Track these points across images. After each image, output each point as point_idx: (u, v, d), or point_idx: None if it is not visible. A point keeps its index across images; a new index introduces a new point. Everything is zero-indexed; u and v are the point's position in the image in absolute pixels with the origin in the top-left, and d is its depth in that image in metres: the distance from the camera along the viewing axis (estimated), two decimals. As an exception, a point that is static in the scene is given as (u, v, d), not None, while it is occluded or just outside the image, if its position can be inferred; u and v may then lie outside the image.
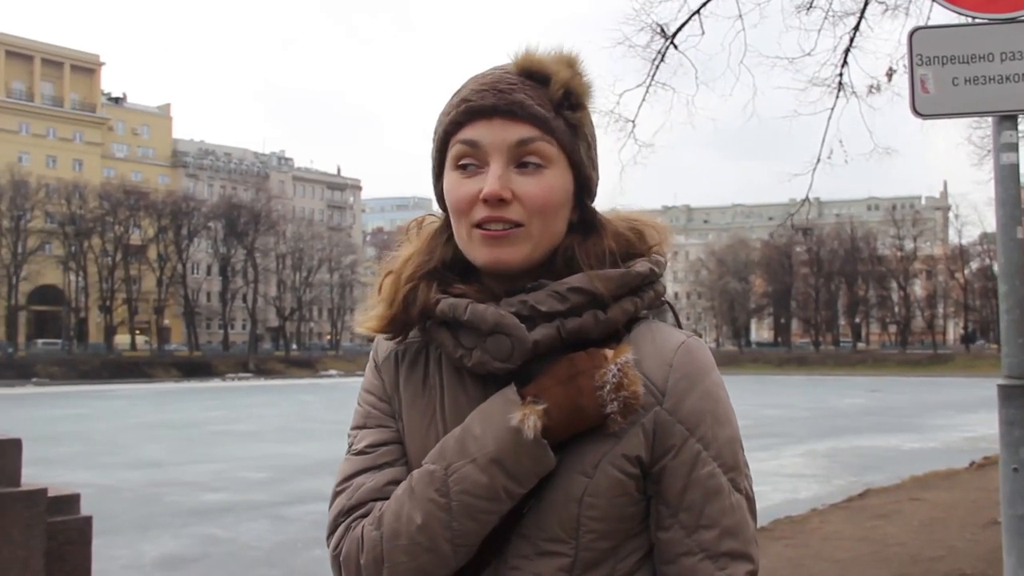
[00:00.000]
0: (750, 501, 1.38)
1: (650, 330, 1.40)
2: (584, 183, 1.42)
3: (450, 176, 1.39)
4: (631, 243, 1.43)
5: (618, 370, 1.30)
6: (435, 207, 1.52)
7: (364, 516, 1.37)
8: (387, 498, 1.37)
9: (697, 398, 1.34)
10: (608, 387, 1.29)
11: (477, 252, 1.37)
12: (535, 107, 1.35)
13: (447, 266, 1.44)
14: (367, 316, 1.48)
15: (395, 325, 1.45)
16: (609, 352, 1.32)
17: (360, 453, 1.44)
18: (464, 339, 1.36)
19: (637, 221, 1.46)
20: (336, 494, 1.42)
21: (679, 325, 1.46)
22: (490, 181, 1.33)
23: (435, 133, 1.42)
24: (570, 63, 1.39)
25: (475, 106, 1.36)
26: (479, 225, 1.35)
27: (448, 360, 1.42)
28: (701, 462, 1.33)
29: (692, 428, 1.33)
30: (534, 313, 1.33)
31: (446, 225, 1.45)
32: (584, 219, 1.43)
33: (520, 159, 1.35)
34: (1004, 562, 4.49)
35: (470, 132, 1.36)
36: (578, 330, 1.34)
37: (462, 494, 1.30)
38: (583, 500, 1.31)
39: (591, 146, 1.43)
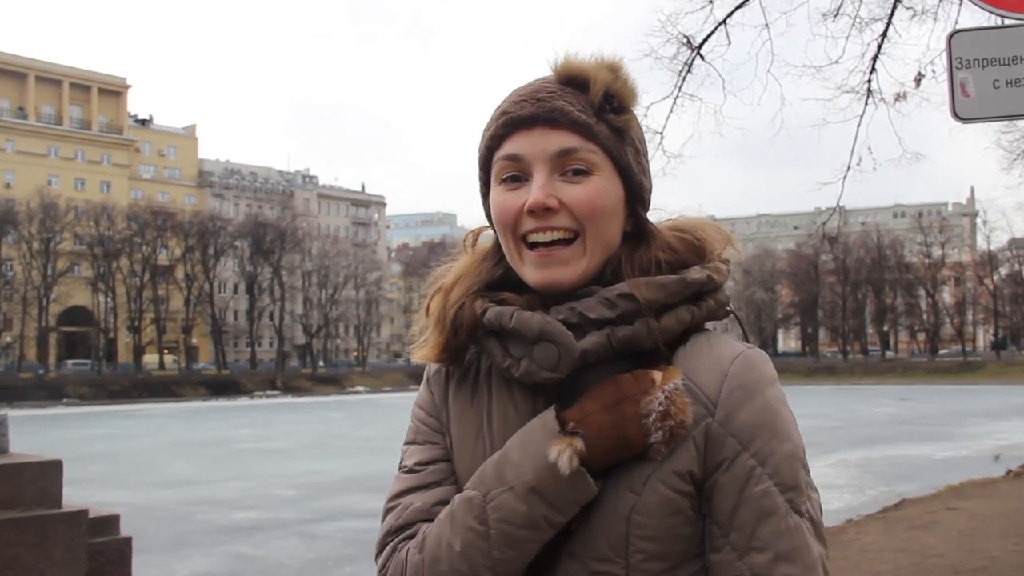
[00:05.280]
0: (814, 524, 1.28)
1: (708, 340, 1.32)
2: (636, 191, 1.36)
3: (495, 191, 1.35)
4: (682, 252, 1.36)
5: (665, 397, 1.22)
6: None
7: (410, 538, 1.33)
8: (433, 520, 1.33)
9: (753, 411, 1.25)
10: (653, 416, 1.22)
11: (529, 273, 1.32)
12: (575, 113, 1.29)
13: (495, 286, 1.39)
14: (423, 344, 1.43)
15: (449, 351, 1.40)
16: (658, 375, 1.25)
17: (410, 471, 1.41)
18: (513, 349, 1.31)
19: (688, 227, 1.39)
20: (386, 511, 1.39)
21: (746, 338, 1.38)
22: (534, 191, 1.29)
23: (478, 151, 1.38)
24: (611, 68, 1.34)
25: (514, 117, 1.32)
26: (528, 239, 1.30)
27: (497, 371, 1.37)
28: (754, 479, 1.24)
29: (746, 442, 1.24)
30: (583, 320, 1.27)
31: (498, 246, 1.40)
32: (637, 230, 1.38)
33: (564, 168, 1.30)
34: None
35: (512, 145, 1.32)
36: (630, 339, 1.28)
37: (500, 522, 1.25)
38: (631, 518, 1.24)
39: (640, 152, 1.37)
